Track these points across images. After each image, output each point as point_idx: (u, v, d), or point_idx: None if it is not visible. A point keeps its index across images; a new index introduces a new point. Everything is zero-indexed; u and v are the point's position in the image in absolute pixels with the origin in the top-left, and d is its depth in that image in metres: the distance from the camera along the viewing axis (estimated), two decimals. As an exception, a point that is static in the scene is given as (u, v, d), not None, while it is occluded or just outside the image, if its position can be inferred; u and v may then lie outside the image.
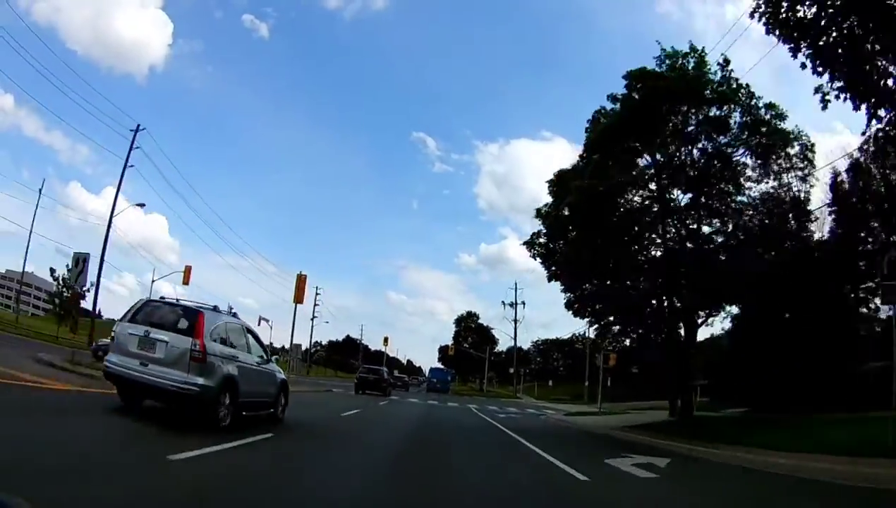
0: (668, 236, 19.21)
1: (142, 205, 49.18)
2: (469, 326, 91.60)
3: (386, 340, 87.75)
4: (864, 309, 20.65)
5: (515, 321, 65.63)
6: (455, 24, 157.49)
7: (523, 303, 73.37)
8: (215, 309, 8.51)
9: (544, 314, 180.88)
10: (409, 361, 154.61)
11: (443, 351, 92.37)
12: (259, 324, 42.73)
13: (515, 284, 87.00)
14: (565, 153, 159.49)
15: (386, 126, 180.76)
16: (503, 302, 67.27)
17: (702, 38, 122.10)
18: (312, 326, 67.10)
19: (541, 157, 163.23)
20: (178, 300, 8.73)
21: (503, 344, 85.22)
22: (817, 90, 9.22)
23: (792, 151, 17.43)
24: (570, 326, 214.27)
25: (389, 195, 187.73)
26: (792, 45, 9.37)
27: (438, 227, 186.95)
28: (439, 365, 79.54)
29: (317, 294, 65.38)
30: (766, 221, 17.89)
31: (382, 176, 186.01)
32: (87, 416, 7.75)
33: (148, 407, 8.33)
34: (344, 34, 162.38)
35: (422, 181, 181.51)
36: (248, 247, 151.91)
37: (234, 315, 9.40)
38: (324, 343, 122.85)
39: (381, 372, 34.57)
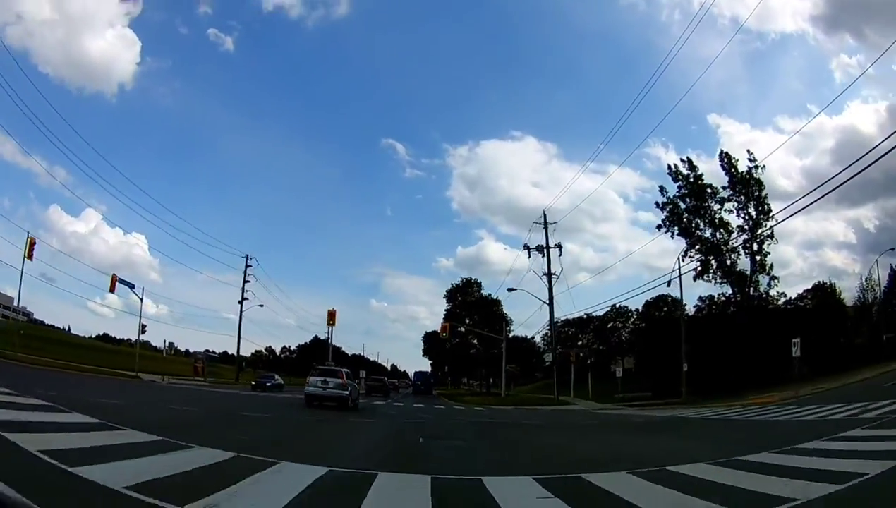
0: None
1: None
2: (467, 301, 66.86)
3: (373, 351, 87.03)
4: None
5: (550, 274, 41.23)
6: (417, 27, 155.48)
7: (558, 248, 42.78)
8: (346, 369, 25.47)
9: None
10: (393, 366, 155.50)
11: (430, 339, 72.85)
12: (144, 331, 48.36)
13: (544, 215, 44.98)
14: (536, 152, 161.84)
15: (355, 134, 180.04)
16: (526, 246, 43.38)
17: (667, 30, 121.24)
18: (241, 313, 57.52)
19: (512, 157, 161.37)
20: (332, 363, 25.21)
21: (517, 326, 67.63)
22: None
23: None
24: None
25: (364, 203, 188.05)
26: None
27: (414, 233, 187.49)
28: (423, 369, 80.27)
29: (247, 265, 57.76)
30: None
31: (355, 184, 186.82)
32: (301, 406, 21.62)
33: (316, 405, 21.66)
34: (308, 43, 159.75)
35: (394, 187, 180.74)
36: (224, 263, 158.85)
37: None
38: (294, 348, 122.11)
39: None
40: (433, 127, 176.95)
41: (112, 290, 45.55)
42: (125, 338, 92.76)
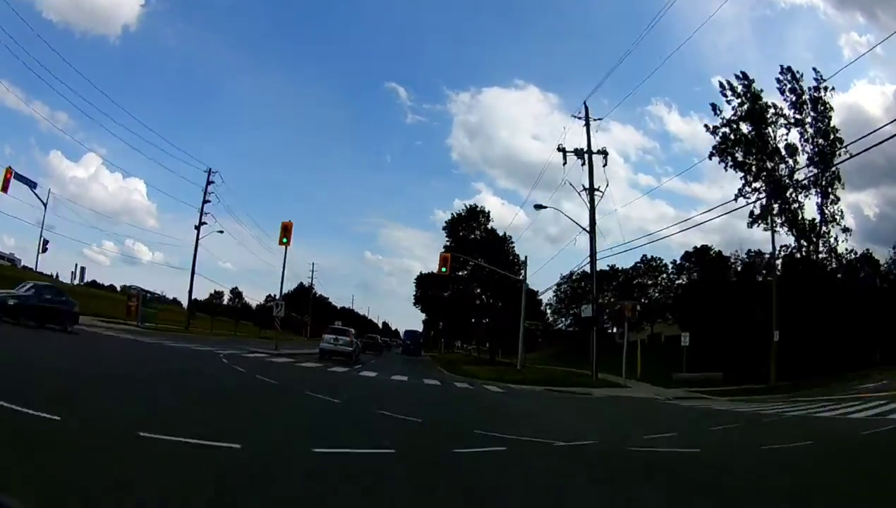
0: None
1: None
2: (471, 238, 49.62)
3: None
4: None
5: (592, 188, 29.72)
6: None
7: (603, 156, 30.83)
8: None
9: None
10: (385, 324, 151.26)
11: (424, 283, 55.24)
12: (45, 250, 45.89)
13: (586, 108, 31.67)
14: (538, 102, 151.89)
15: (358, 76, 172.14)
16: (561, 148, 30.85)
17: None
18: (197, 240, 46.13)
19: (514, 106, 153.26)
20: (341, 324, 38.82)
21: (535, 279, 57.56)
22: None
23: None
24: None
25: (364, 148, 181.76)
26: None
27: (413, 183, 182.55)
28: (414, 328, 77.31)
29: (208, 182, 46.05)
30: None
31: (357, 128, 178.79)
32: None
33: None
34: None
35: (395, 133, 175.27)
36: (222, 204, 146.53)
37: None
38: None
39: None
40: (436, 71, 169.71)
41: (5, 190, 35.06)
42: (112, 285, 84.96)
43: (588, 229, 29.94)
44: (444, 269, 31.29)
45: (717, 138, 40.82)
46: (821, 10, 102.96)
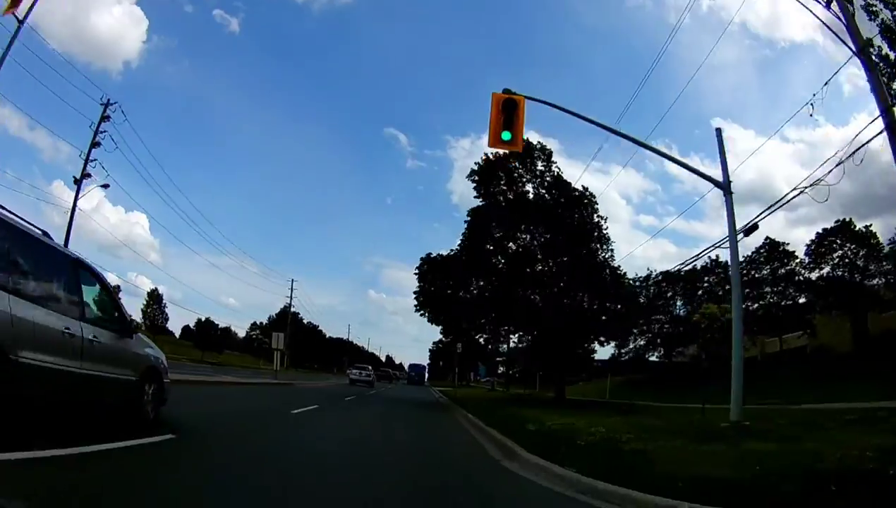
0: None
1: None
2: (520, 193, 26.96)
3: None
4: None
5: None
6: (422, 16, 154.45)
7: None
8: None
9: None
10: (388, 357, 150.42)
11: (435, 270, 28.90)
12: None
13: None
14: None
15: (359, 121, 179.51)
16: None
17: (677, 33, 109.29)
18: (76, 197, 26.82)
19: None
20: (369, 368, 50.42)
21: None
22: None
23: None
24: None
25: (365, 191, 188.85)
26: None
27: (415, 225, 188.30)
28: (418, 361, 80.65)
29: (102, 116, 27.13)
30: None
31: (357, 172, 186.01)
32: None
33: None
34: (313, 29, 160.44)
35: (396, 177, 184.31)
36: (229, 243, 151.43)
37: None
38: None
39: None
40: (436, 117, 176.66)
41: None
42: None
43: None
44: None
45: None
46: (820, 46, 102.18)
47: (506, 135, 10.34)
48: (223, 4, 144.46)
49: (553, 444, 8.20)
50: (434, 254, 29.09)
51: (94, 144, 27.46)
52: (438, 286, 28.14)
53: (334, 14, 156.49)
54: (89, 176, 27.29)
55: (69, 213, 25.94)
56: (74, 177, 26.88)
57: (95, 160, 27.31)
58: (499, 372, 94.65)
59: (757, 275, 41.59)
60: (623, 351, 49.57)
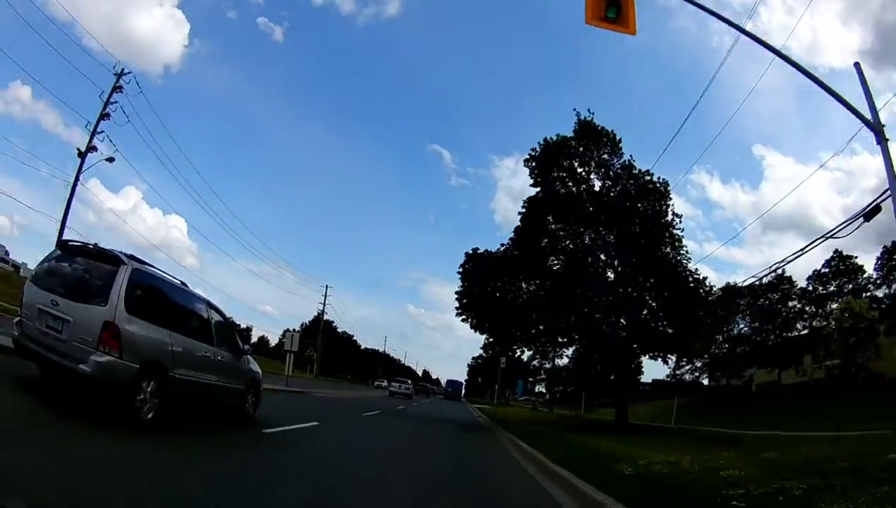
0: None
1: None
2: (580, 185, 23.52)
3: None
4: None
5: None
6: (468, 34, 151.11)
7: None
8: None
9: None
10: (425, 371, 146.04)
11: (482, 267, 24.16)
12: None
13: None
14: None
15: (402, 136, 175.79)
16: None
17: (718, 54, 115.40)
18: (78, 174, 25.06)
19: None
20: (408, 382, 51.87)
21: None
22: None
23: None
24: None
25: (407, 207, 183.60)
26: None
27: (456, 243, 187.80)
28: (455, 377, 73.63)
29: (115, 87, 24.95)
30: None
31: (400, 187, 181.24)
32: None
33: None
34: (358, 41, 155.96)
35: (439, 194, 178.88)
36: (268, 249, 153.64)
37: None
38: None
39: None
40: (481, 136, 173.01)
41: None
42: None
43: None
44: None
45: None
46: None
47: (611, 12, 6.95)
48: (267, 12, 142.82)
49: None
50: (482, 250, 24.97)
51: (104, 116, 25.11)
52: (485, 286, 23.99)
53: (380, 27, 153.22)
54: (95, 149, 25.13)
55: (70, 187, 24.24)
56: (79, 149, 24.80)
57: (103, 132, 25.26)
58: (536, 391, 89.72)
59: (823, 291, 36.59)
60: (678, 372, 44.73)
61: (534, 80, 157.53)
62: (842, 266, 36.08)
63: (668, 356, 23.74)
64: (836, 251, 35.89)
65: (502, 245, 23.72)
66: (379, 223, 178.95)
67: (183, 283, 7.80)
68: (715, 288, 22.37)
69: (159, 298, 7.05)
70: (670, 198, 22.34)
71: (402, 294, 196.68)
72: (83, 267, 6.68)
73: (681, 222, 22.10)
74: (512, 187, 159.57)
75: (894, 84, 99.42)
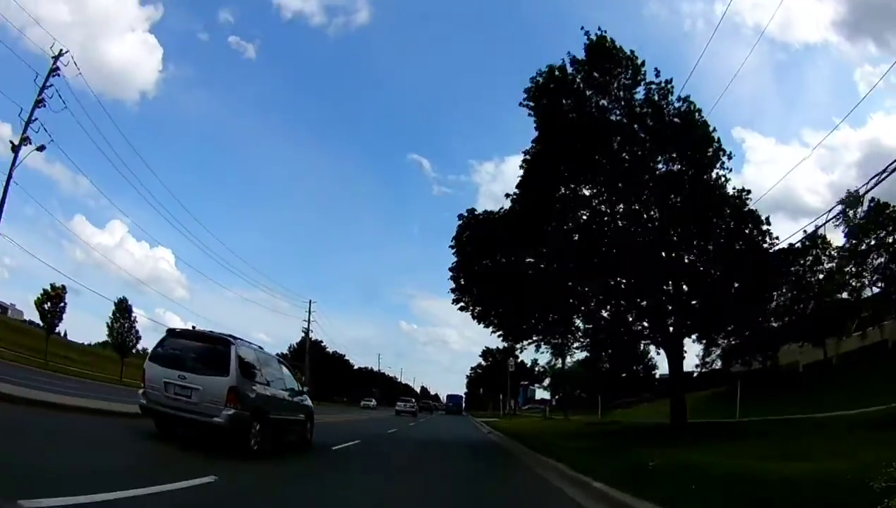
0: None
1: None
2: (595, 115, 17.28)
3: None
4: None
5: None
6: (437, 39, 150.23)
7: None
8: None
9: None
10: (423, 388, 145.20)
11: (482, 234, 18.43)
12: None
13: None
14: None
15: (380, 148, 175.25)
16: None
17: (690, 38, 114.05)
18: (12, 167, 23.16)
19: None
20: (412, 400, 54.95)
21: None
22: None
23: None
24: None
25: (391, 220, 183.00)
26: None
27: (442, 253, 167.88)
28: (454, 392, 75.58)
29: (52, 69, 23.03)
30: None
31: (382, 200, 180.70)
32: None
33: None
34: (330, 54, 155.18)
35: (421, 204, 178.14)
36: (256, 272, 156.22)
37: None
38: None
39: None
40: (459, 142, 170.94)
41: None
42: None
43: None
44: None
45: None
46: (834, 46, 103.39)
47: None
48: (239, 31, 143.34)
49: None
50: (479, 212, 19.07)
51: (38, 103, 23.27)
52: (487, 259, 18.53)
53: (350, 37, 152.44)
54: (28, 140, 23.17)
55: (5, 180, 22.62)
56: (12, 141, 23.20)
57: (37, 119, 23.31)
58: (537, 398, 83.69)
59: (862, 246, 32.39)
60: (707, 360, 39.71)
61: (509, 82, 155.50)
62: (880, 216, 32.08)
63: (727, 336, 18.92)
64: (872, 200, 31.81)
65: (507, 195, 17.79)
66: (364, 239, 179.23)
67: (260, 348, 10.56)
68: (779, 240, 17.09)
69: (254, 362, 9.74)
70: (717, 135, 17.36)
71: (394, 311, 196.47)
72: (200, 348, 9.25)
73: (730, 161, 17.20)
74: (493, 191, 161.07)
75: (870, 56, 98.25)
